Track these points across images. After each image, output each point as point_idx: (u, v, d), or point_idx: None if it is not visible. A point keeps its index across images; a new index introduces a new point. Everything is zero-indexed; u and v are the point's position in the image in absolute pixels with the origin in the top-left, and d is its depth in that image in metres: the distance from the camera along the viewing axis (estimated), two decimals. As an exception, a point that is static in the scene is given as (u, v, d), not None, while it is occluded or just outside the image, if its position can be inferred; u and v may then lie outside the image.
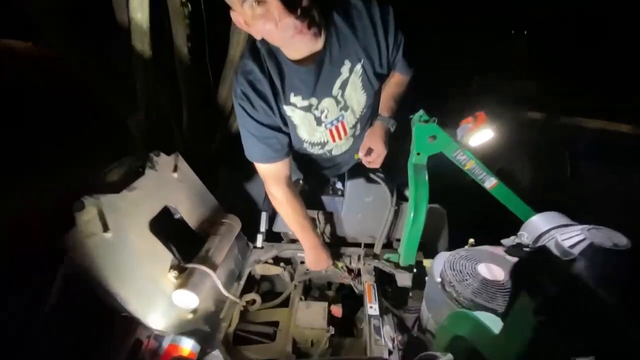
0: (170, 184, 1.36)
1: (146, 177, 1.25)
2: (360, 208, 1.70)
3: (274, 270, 1.73)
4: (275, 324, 1.57)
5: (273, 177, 1.44)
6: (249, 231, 1.81)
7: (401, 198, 1.67)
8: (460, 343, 0.96)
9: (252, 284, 1.76)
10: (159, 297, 1.12)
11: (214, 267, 1.24)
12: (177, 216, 1.35)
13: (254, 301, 1.55)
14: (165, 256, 1.19)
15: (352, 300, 1.74)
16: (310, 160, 1.71)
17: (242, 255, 1.62)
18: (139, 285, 1.07)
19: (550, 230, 1.30)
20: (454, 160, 1.55)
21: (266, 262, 1.73)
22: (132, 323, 1.01)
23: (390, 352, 1.25)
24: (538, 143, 3.34)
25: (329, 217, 1.79)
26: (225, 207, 1.63)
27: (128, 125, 2.13)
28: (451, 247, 1.64)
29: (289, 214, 1.52)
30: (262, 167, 1.43)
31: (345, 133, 1.52)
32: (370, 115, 1.54)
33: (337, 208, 1.71)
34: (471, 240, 1.54)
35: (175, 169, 1.40)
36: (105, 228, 1.00)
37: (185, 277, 1.16)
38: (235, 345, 1.45)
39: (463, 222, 1.81)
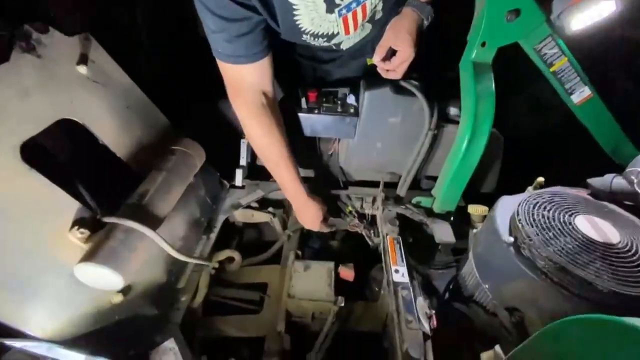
0: (74, 85, 0.80)
1: (16, 66, 0.68)
2: (381, 132, 1.17)
3: (259, 217, 1.28)
4: (262, 287, 1.18)
5: (241, 86, 0.92)
6: (225, 166, 1.31)
7: (444, 118, 1.14)
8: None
9: (231, 236, 1.33)
10: (44, 275, 0.65)
11: (153, 221, 0.76)
12: (100, 142, 0.82)
13: (231, 259, 1.12)
14: (62, 204, 0.69)
15: (363, 254, 1.33)
16: (302, 59, 1.13)
17: (212, 198, 1.14)
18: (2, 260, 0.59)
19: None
20: (534, 57, 0.99)
21: (249, 207, 1.27)
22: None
23: (427, 338, 0.86)
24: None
25: (335, 145, 1.27)
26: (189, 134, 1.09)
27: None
28: (501, 190, 1.18)
29: (263, 146, 1.02)
30: (227, 71, 0.89)
31: (365, 16, 0.93)
32: None
33: (348, 132, 1.18)
34: (540, 180, 1.07)
35: (83, 61, 0.81)
36: None
37: (98, 239, 0.68)
38: (208, 316, 1.06)
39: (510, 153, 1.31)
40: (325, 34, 0.96)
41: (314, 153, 1.34)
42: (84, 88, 0.82)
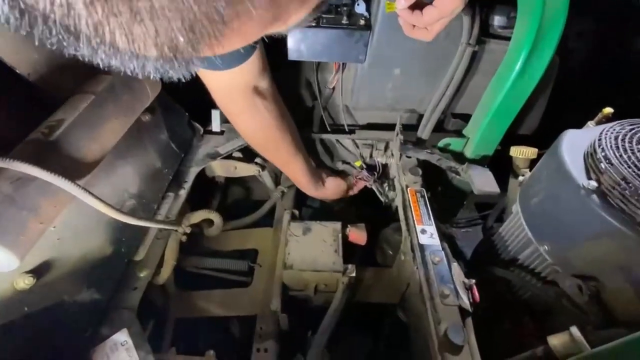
0: None
1: None
2: (401, 53, 0.88)
3: (244, 169, 1.02)
4: (251, 254, 0.95)
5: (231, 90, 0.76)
6: (196, 107, 1.02)
7: (484, 32, 0.85)
8: None
9: (211, 194, 1.07)
10: None
11: (72, 166, 0.49)
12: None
13: (210, 222, 0.88)
14: None
15: (375, 213, 1.11)
16: None
17: (179, 144, 0.87)
18: None
19: None
20: None
21: (230, 157, 1.00)
22: None
23: (467, 315, 0.66)
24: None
25: (339, 75, 0.98)
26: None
27: None
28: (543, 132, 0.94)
29: (268, 141, 0.88)
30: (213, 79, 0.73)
31: None
32: None
33: (357, 54, 0.88)
34: (608, 110, 0.81)
35: None
36: None
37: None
38: (185, 293, 0.85)
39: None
40: None
41: (310, 88, 1.05)
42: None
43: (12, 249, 0.41)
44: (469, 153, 0.92)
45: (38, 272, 0.49)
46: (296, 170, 0.95)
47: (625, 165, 0.58)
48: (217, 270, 0.92)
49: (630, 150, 0.60)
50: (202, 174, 0.96)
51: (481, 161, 0.93)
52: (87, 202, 0.49)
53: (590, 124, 0.81)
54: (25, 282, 0.48)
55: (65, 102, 0.56)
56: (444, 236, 0.84)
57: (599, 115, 0.82)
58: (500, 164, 0.95)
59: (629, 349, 0.43)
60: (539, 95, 0.97)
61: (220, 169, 1.03)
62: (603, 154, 0.61)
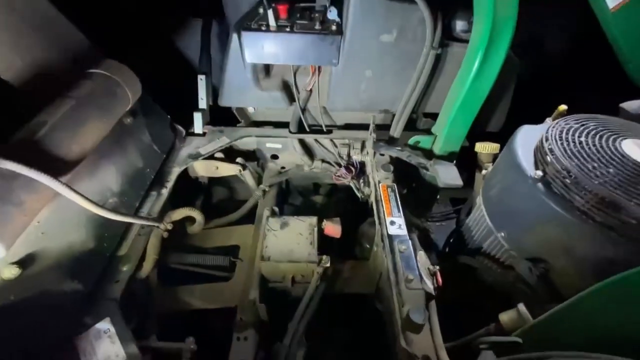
0: None
1: None
2: (371, 56, 0.94)
3: (225, 169, 1.06)
4: (233, 251, 0.99)
5: None
6: (179, 110, 1.06)
7: (447, 35, 0.91)
8: None
9: (194, 194, 1.11)
10: None
11: (54, 164, 0.53)
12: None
13: (192, 220, 0.92)
14: None
15: (352, 209, 1.16)
16: None
17: (160, 145, 0.91)
18: None
19: None
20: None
21: (212, 158, 1.04)
22: None
23: (430, 298, 0.71)
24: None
25: (315, 78, 1.03)
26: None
27: None
28: (509, 129, 1.00)
29: None
30: None
31: None
32: None
33: (330, 57, 0.94)
34: (562, 107, 0.88)
35: None
36: None
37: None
38: (167, 288, 0.88)
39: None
40: None
41: (288, 90, 1.10)
42: None
43: (7, 238, 0.44)
44: (437, 150, 0.98)
45: (23, 263, 0.53)
46: None
47: (566, 156, 0.64)
48: (199, 266, 0.95)
49: (573, 142, 0.67)
50: (185, 175, 1.00)
51: (449, 157, 0.99)
52: (69, 197, 0.53)
53: (548, 120, 0.88)
54: (11, 272, 0.51)
55: (48, 105, 0.60)
56: (415, 227, 0.89)
57: (555, 112, 0.88)
58: (470, 161, 1.01)
59: (559, 316, 0.48)
60: (502, 95, 1.04)
61: (203, 169, 1.07)
62: (549, 147, 0.67)
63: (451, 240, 1.03)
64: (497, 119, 1.10)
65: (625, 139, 0.65)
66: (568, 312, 0.48)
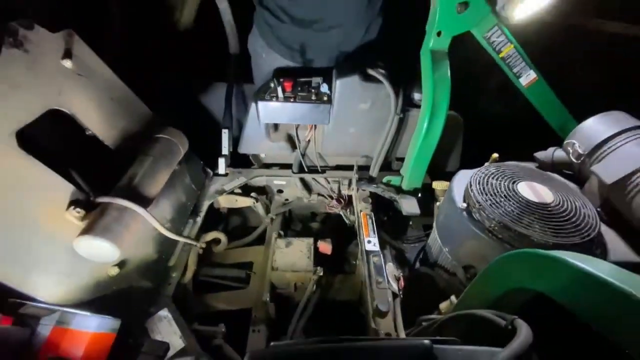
0: (60, 77, 0.85)
1: (5, 61, 0.74)
2: (353, 118, 1.27)
3: (243, 202, 1.36)
4: (248, 265, 1.26)
5: None
6: (207, 155, 1.38)
7: (408, 103, 1.25)
8: (518, 298, 0.66)
9: (217, 220, 1.40)
10: (47, 249, 0.72)
11: (143, 200, 0.83)
12: (87, 132, 0.87)
13: (218, 241, 1.21)
14: (57, 186, 0.75)
15: (342, 232, 1.44)
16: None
17: (196, 184, 1.21)
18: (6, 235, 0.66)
19: (619, 134, 0.95)
20: (485, 44, 1.11)
21: (232, 193, 1.35)
22: None
23: (395, 296, 0.98)
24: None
25: (312, 132, 1.36)
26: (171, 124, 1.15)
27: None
28: (463, 166, 1.30)
29: None
30: None
31: None
32: None
33: (323, 119, 1.27)
34: (495, 155, 1.19)
35: (67, 55, 0.87)
36: None
37: (93, 217, 0.75)
38: (200, 294, 1.14)
39: (475, 134, 1.44)
40: None
41: (291, 141, 1.43)
42: (70, 81, 0.88)
43: (117, 247, 0.73)
44: (404, 186, 1.28)
45: (120, 265, 0.82)
46: None
47: (481, 193, 0.94)
48: (222, 277, 1.22)
49: (486, 184, 0.97)
50: (211, 206, 1.30)
51: (414, 192, 1.29)
52: (151, 222, 0.83)
53: (486, 164, 1.19)
54: (114, 271, 0.80)
55: (135, 161, 0.91)
56: (392, 247, 1.17)
57: (490, 159, 1.20)
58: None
59: (464, 296, 0.76)
60: (454, 143, 1.36)
61: (225, 202, 1.37)
62: (471, 186, 0.97)
63: (420, 257, 1.30)
64: (453, 161, 1.42)
65: (521, 181, 0.96)
66: (467, 292, 0.76)
